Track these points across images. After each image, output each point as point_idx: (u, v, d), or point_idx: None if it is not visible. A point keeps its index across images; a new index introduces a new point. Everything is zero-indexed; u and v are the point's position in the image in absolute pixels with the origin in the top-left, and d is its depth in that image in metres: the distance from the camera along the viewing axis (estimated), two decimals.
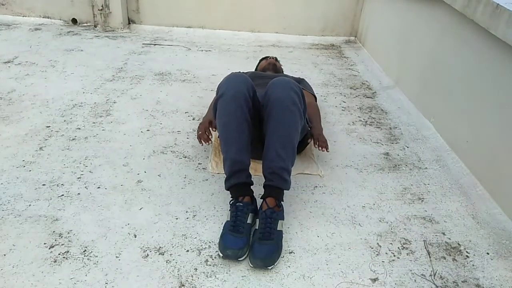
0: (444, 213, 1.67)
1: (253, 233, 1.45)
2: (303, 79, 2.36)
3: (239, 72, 1.65)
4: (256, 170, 1.78)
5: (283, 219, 1.50)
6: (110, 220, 1.51)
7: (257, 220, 1.46)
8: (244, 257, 1.37)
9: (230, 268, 1.34)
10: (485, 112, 1.83)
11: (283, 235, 1.45)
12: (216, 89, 1.61)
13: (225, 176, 1.55)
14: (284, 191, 1.53)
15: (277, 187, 1.50)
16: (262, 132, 1.62)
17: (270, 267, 1.34)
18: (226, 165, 1.53)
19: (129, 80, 2.71)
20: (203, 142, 1.81)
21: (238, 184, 1.51)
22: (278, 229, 1.43)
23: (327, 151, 1.84)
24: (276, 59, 2.50)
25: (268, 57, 2.51)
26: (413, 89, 2.59)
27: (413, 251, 1.47)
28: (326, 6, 3.76)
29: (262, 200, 1.51)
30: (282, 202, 1.52)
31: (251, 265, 1.35)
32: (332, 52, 3.59)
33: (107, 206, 1.58)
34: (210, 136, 1.83)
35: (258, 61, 2.57)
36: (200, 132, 1.85)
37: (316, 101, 2.24)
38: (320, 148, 1.82)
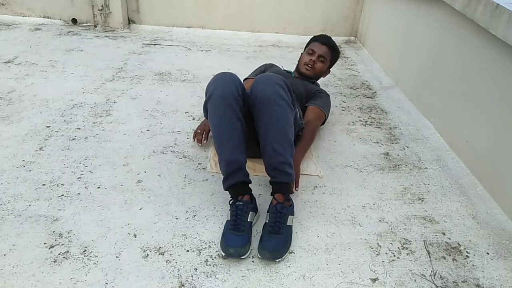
0: (444, 213, 1.67)
1: (263, 226, 1.46)
2: (323, 91, 2.18)
3: (226, 72, 1.62)
4: (254, 170, 1.78)
5: (294, 215, 1.51)
6: (110, 220, 1.51)
7: (268, 215, 1.48)
8: (246, 255, 1.37)
9: (230, 268, 1.34)
10: (485, 112, 1.83)
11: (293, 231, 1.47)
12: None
13: (222, 177, 1.55)
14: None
15: (281, 182, 1.51)
16: (256, 130, 1.62)
17: (277, 260, 1.36)
18: (222, 166, 1.53)
19: (129, 80, 2.71)
20: (196, 141, 1.90)
21: (236, 184, 1.51)
22: (288, 224, 1.44)
23: (296, 189, 1.70)
24: (322, 57, 2.19)
25: (313, 51, 2.20)
26: (413, 89, 2.59)
27: (413, 251, 1.47)
28: (326, 6, 3.76)
29: (271, 196, 1.53)
30: (291, 196, 1.53)
31: (260, 256, 1.36)
32: None
33: (107, 206, 1.58)
34: (205, 141, 1.89)
35: (306, 44, 2.29)
36: (198, 131, 1.86)
37: (325, 118, 2.11)
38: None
